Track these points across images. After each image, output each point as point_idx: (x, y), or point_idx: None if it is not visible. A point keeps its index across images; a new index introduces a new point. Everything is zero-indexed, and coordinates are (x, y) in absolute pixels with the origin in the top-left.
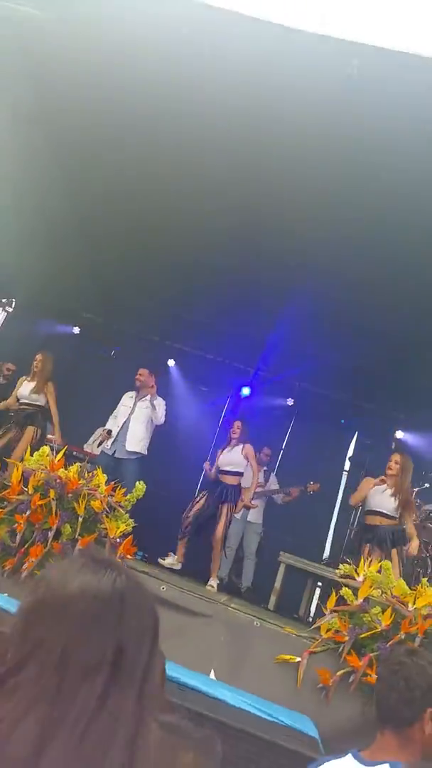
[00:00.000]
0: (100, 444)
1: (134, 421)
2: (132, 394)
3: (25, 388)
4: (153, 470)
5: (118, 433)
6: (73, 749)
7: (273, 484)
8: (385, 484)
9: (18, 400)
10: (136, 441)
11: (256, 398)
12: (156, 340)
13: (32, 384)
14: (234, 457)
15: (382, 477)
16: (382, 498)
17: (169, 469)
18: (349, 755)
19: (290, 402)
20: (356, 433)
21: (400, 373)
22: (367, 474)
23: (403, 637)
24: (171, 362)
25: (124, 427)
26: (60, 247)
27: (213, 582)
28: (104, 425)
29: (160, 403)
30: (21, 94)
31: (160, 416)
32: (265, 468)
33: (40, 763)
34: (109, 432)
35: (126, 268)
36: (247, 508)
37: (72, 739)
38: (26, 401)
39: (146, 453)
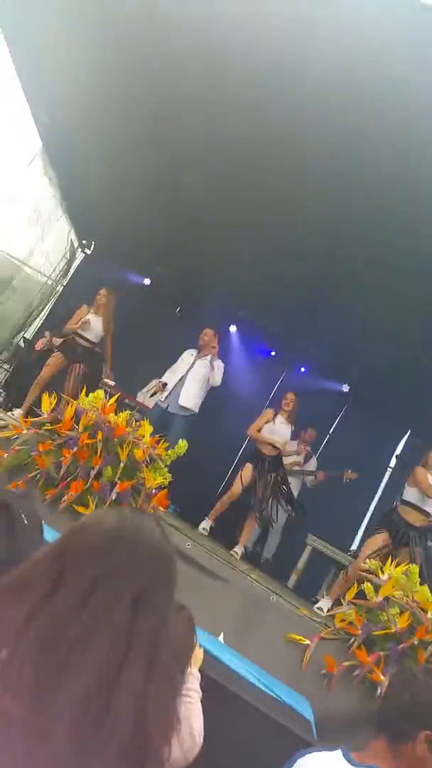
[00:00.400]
0: (153, 395)
1: (191, 378)
2: (193, 351)
3: (87, 323)
4: (199, 430)
5: (173, 388)
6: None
7: (311, 465)
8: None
9: (76, 331)
10: (191, 398)
11: (311, 377)
12: (222, 305)
13: (95, 319)
14: (281, 430)
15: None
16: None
17: (215, 433)
18: (339, 752)
19: (345, 388)
20: (408, 431)
21: None
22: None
23: (416, 642)
24: (233, 328)
25: (181, 382)
26: (146, 200)
27: (238, 549)
28: (159, 378)
29: (219, 366)
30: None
31: (218, 378)
32: (308, 448)
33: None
34: (165, 385)
35: (204, 232)
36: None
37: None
38: (84, 336)
39: (197, 411)
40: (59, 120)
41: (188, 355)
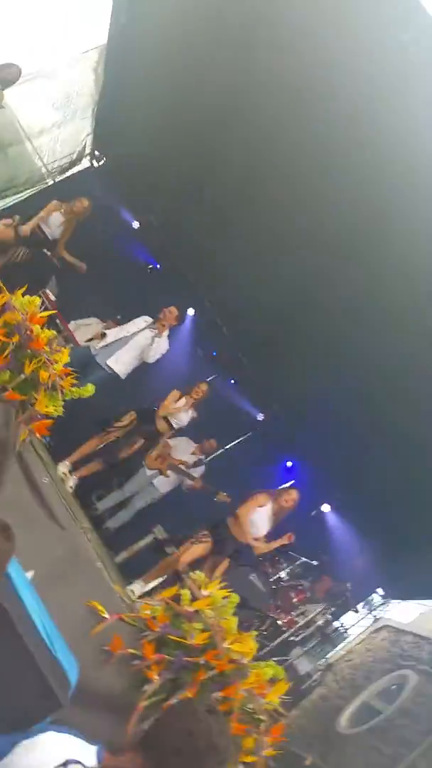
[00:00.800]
0: (90, 340)
1: (132, 344)
2: (149, 320)
3: (54, 218)
4: (110, 389)
5: (111, 343)
6: None
7: (196, 472)
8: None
9: (39, 225)
10: (121, 364)
11: (235, 393)
12: (194, 286)
13: (60, 218)
14: (182, 417)
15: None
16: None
17: (124, 398)
18: (95, 749)
19: (260, 417)
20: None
21: None
22: None
23: (201, 662)
24: (191, 311)
25: (120, 342)
26: (173, 148)
27: (66, 470)
28: (100, 319)
29: (161, 346)
30: None
31: (152, 356)
32: (202, 457)
33: None
34: (104, 335)
35: (212, 214)
36: (161, 472)
37: None
38: (44, 230)
39: (121, 378)
40: (134, 29)
41: (142, 321)
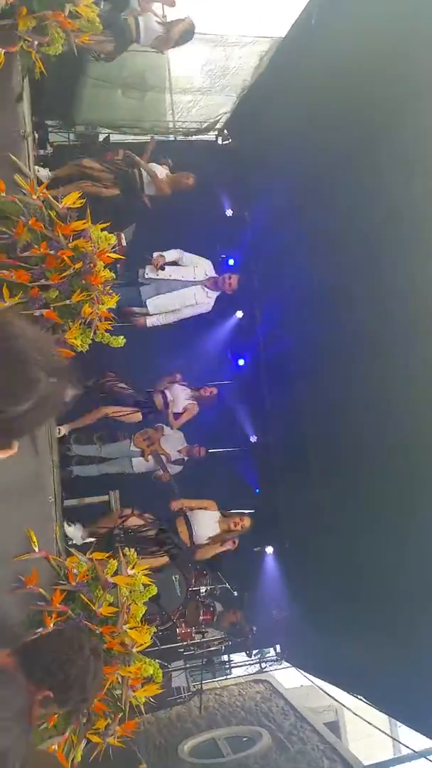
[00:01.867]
0: (145, 268)
1: (181, 294)
2: (210, 271)
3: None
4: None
5: (159, 281)
6: None
7: (172, 469)
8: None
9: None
10: (160, 308)
11: None
12: (254, 292)
13: (163, 180)
14: (180, 394)
15: None
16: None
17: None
18: None
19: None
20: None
21: None
22: None
23: (97, 632)
24: (239, 314)
25: (169, 284)
26: (286, 155)
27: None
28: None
29: (202, 307)
30: None
31: (188, 314)
32: (185, 458)
33: None
34: (162, 267)
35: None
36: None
37: None
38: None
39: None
40: (312, 39)
41: (202, 271)
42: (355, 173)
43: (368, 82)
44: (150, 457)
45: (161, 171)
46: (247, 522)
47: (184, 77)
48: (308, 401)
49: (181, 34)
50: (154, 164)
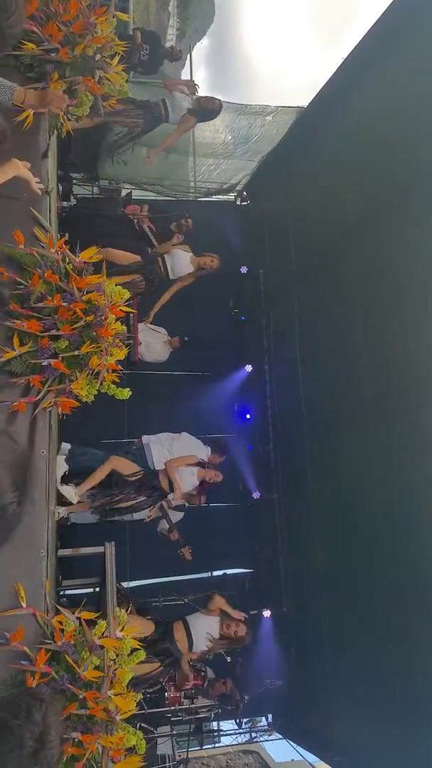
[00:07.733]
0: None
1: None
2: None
3: (181, 257)
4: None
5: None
6: None
7: (176, 517)
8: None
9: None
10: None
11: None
12: (264, 343)
13: (185, 256)
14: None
15: None
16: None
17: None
18: None
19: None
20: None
21: None
22: None
23: (80, 696)
24: (249, 368)
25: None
26: (299, 238)
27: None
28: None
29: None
30: None
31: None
32: (184, 503)
33: None
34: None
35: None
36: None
37: None
38: (165, 260)
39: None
40: (334, 115)
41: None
42: (363, 242)
43: (383, 155)
44: (154, 510)
45: (185, 256)
46: (241, 630)
47: (209, 141)
48: (316, 459)
49: (206, 113)
50: (177, 249)
